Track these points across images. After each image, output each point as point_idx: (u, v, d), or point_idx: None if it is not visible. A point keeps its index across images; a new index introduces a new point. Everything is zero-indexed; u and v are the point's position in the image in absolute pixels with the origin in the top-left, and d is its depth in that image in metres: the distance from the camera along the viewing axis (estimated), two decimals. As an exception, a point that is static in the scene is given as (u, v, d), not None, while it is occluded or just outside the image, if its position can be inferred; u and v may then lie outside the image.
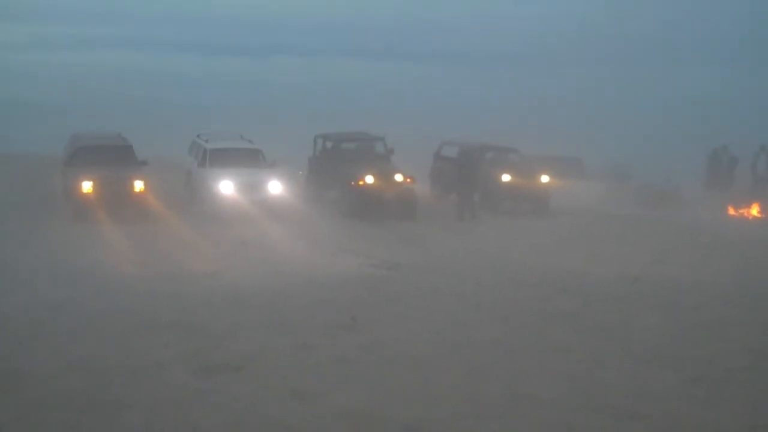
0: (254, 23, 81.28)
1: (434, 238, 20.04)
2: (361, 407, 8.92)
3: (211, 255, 17.01)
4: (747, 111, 51.20)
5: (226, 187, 20.96)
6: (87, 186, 19.95)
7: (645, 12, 74.87)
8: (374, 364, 10.34)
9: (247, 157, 22.05)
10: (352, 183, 22.28)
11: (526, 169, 24.67)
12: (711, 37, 70.47)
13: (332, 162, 23.66)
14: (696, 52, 66.55)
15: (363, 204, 22.04)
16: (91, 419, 8.46)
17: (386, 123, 30.15)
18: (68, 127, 25.03)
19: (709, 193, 30.77)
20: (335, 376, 9.88)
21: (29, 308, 12.40)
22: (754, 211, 27.43)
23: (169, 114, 43.53)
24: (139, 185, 20.32)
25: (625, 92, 57.83)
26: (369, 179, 22.24)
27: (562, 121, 45.42)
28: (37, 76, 60.86)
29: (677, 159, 33.92)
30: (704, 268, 17.34)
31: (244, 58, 76.85)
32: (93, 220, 19.54)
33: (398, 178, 22.60)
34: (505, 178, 24.30)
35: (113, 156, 20.97)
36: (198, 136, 23.63)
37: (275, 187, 21.27)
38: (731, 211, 27.60)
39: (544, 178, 24.55)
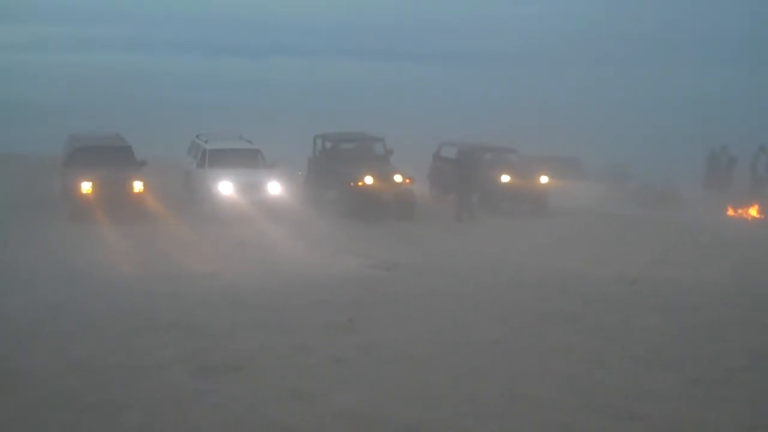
0: (254, 23, 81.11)
1: (433, 239, 20.03)
2: (360, 407, 8.93)
3: (210, 255, 17.01)
4: (747, 111, 51.11)
5: (226, 187, 20.95)
6: (86, 186, 19.96)
7: (645, 12, 74.85)
8: (373, 365, 10.34)
9: (247, 158, 22.04)
10: (352, 183, 22.26)
11: (525, 170, 24.63)
12: (711, 37, 70.46)
13: (331, 162, 23.64)
14: (696, 52, 66.42)
15: (362, 204, 22.03)
16: (90, 419, 8.47)
17: (386, 123, 30.14)
18: (68, 127, 25.00)
19: (708, 193, 30.75)
20: (334, 376, 9.89)
21: (29, 308, 12.41)
22: (754, 211, 27.40)
23: (169, 114, 43.43)
24: (138, 186, 20.33)
25: (625, 92, 57.84)
26: (368, 180, 22.23)
27: (562, 121, 45.26)
28: (37, 76, 60.75)
29: (677, 159, 33.88)
30: (704, 268, 17.32)
31: (244, 58, 76.64)
32: (92, 220, 19.54)
33: (397, 178, 22.59)
34: (504, 178, 24.26)
35: (112, 156, 20.97)
36: (197, 136, 23.61)
37: (274, 188, 21.26)
38: (730, 212, 27.57)
39: (544, 179, 24.52)
